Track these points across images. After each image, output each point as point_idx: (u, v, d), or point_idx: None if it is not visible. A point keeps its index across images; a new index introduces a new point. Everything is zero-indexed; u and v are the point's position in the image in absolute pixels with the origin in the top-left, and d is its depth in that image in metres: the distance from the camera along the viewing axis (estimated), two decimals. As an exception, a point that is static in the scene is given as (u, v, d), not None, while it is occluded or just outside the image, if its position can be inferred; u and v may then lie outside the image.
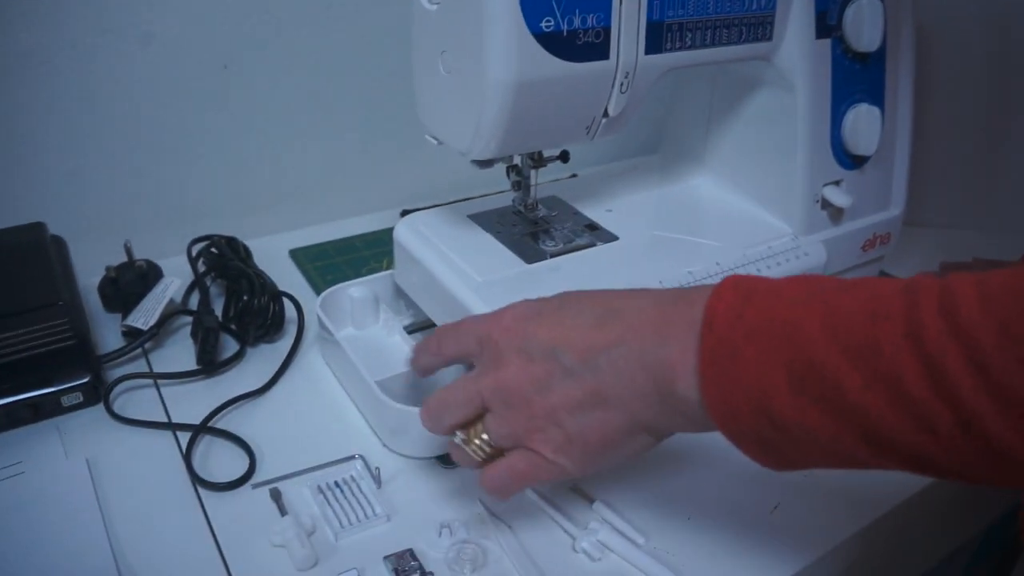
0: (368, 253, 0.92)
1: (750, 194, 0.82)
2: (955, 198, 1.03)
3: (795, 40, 0.74)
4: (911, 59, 0.82)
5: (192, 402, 0.71)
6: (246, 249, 0.87)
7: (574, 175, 1.01)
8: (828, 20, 0.75)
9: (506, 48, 0.59)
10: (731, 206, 0.82)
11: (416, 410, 0.58)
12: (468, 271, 0.69)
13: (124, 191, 0.87)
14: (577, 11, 0.61)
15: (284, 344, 0.78)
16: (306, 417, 0.70)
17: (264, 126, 0.92)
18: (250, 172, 0.94)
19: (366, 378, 0.65)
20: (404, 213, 1.00)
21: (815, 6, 0.74)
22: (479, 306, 0.66)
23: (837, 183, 0.80)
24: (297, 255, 0.92)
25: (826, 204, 0.79)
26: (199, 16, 0.84)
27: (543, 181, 0.79)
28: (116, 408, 0.70)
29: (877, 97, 0.80)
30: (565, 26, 0.61)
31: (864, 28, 0.76)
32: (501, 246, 0.73)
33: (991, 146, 0.99)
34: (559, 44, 0.61)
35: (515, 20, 0.59)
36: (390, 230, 0.77)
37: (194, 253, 0.86)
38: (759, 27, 0.72)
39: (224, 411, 0.70)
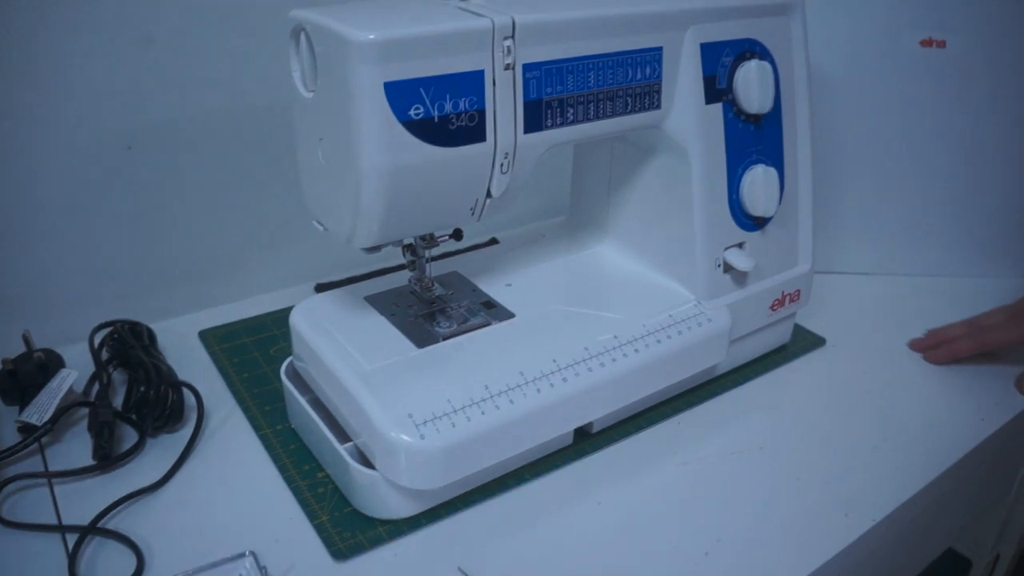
0: (278, 332, 0.92)
1: (652, 260, 0.82)
2: (873, 244, 1.03)
3: (685, 107, 0.74)
4: (807, 116, 0.82)
5: (87, 499, 0.70)
6: (150, 334, 0.87)
7: (493, 239, 1.00)
8: (718, 84, 0.76)
9: (376, 137, 0.60)
10: (634, 273, 0.82)
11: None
12: (358, 358, 0.69)
13: (24, 275, 0.86)
14: (448, 96, 0.61)
15: (186, 433, 0.77)
16: (204, 511, 0.69)
17: (171, 204, 0.92)
18: (159, 251, 0.93)
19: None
20: (319, 287, 0.99)
21: (703, 71, 0.75)
22: (366, 396, 0.65)
23: (740, 245, 0.80)
24: (207, 336, 0.91)
25: (728, 267, 0.79)
26: (101, 94, 0.84)
27: (448, 251, 0.78)
28: (5, 510, 0.68)
29: (775, 157, 0.80)
30: (436, 112, 0.61)
31: (754, 91, 0.76)
32: (394, 330, 0.73)
33: (900, 190, 1.00)
34: (431, 130, 0.61)
35: (382, 110, 0.59)
36: None
37: (97, 341, 0.84)
38: (646, 97, 0.72)
39: (118, 508, 0.69)
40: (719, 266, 0.79)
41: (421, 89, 0.60)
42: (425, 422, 0.64)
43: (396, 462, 0.63)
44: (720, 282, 0.79)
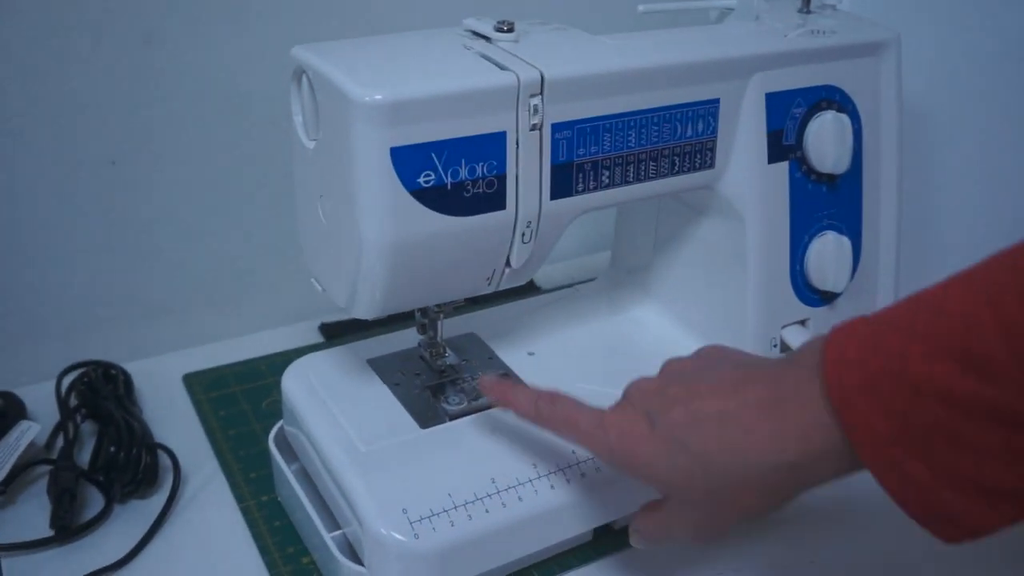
0: (272, 380, 0.98)
1: (699, 332, 0.86)
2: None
3: (743, 166, 0.79)
4: (895, 173, 0.87)
5: (40, 576, 0.77)
6: (126, 380, 0.95)
7: (531, 283, 1.06)
8: (785, 140, 0.81)
9: (380, 206, 0.66)
10: (675, 346, 0.84)
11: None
12: (352, 437, 0.75)
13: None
14: (463, 161, 0.67)
15: (159, 500, 0.84)
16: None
17: (157, 226, 0.99)
18: (141, 279, 1.01)
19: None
20: (324, 328, 1.07)
21: (767, 125, 0.79)
22: (357, 483, 0.71)
23: (802, 323, 0.85)
24: (192, 382, 0.99)
25: (786, 348, 0.84)
26: (85, 105, 0.92)
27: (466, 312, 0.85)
28: (-55, 589, 0.77)
29: (850, 222, 0.85)
30: (449, 179, 0.67)
31: (829, 147, 0.81)
32: (397, 404, 0.79)
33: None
34: (443, 199, 0.67)
35: (387, 177, 0.65)
36: (304, 351, 0.84)
37: (65, 385, 0.93)
38: (697, 155, 0.78)
39: (76, 589, 0.76)
40: (775, 346, 0.83)
41: (433, 154, 0.65)
42: (421, 519, 0.68)
43: (386, 562, 0.68)
44: None
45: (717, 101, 0.77)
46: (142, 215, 0.99)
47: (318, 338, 1.08)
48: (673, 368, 0.69)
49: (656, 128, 0.75)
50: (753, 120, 0.78)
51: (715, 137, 0.78)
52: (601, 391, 0.75)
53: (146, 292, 1.02)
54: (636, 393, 0.68)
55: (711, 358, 0.68)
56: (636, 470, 0.65)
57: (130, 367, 0.98)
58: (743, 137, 0.79)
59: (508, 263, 0.73)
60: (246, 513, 0.84)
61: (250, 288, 1.07)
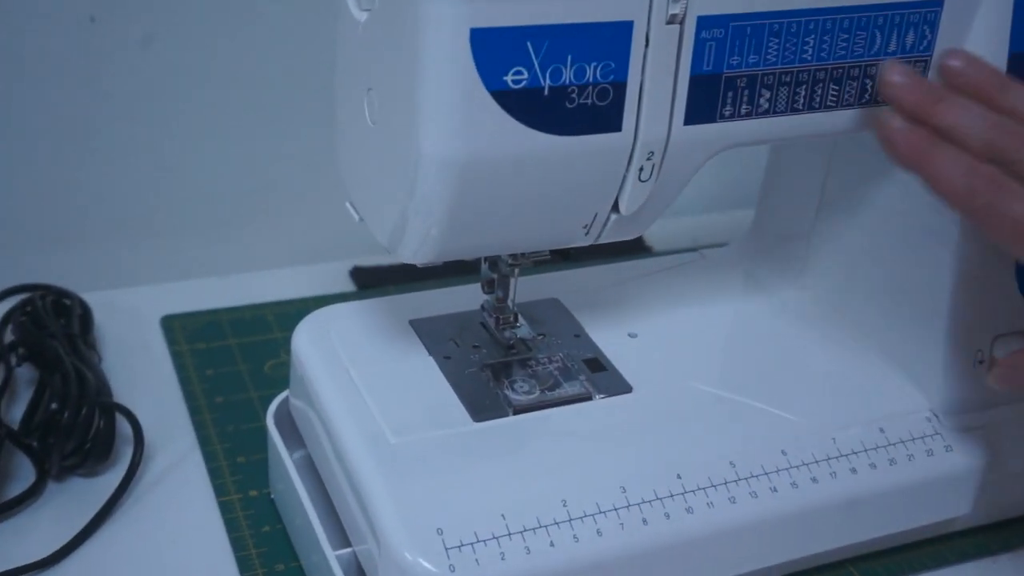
0: (282, 336, 0.95)
1: (868, 332, 0.83)
2: None
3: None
4: None
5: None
6: (84, 315, 0.91)
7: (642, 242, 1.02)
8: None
9: (449, 110, 0.61)
10: (833, 348, 0.83)
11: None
12: (380, 422, 0.72)
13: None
14: (569, 58, 0.62)
15: (110, 481, 0.81)
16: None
17: (143, 110, 0.96)
18: (118, 181, 0.98)
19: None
20: (357, 273, 1.03)
21: (1010, 43, 0.74)
22: (379, 487, 0.68)
23: (1024, 333, 0.80)
24: (173, 326, 0.96)
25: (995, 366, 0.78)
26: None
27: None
28: None
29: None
30: (547, 81, 0.62)
31: None
32: (444, 383, 0.76)
33: None
34: (535, 107, 0.62)
35: (463, 70, 0.60)
36: (328, 300, 0.82)
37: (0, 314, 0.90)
38: None
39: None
40: (981, 361, 0.78)
41: (529, 43, 0.61)
42: (461, 545, 0.65)
43: (408, 600, 0.66)
44: (978, 388, 0.78)
45: (940, 2, 0.71)
46: (123, 94, 0.95)
47: (349, 285, 1.06)
48: None
49: (845, 35, 0.69)
50: (990, 35, 0.73)
51: (930, 55, 0.72)
52: (721, 395, 0.77)
53: (120, 201, 0.99)
54: None
55: None
56: None
57: (91, 298, 0.94)
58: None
59: (616, 207, 0.69)
60: (226, 511, 0.81)
61: (262, 208, 1.04)
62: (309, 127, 0.99)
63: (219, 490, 0.82)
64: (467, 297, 0.83)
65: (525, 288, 0.81)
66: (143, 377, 0.90)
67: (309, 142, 1.00)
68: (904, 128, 0.67)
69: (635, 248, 1.12)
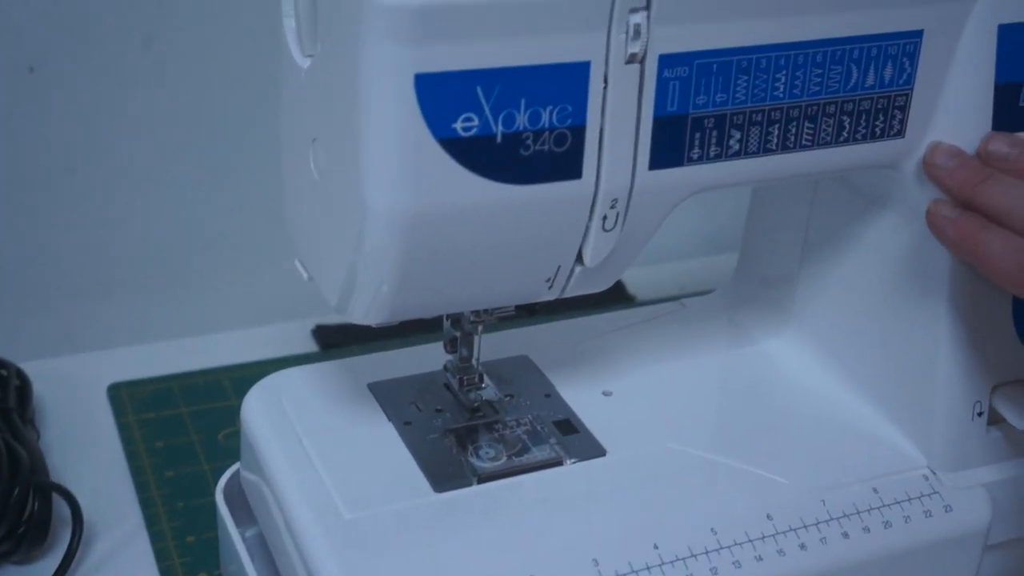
0: (239, 402, 0.91)
1: (860, 383, 0.82)
2: None
3: (951, 135, 0.73)
4: None
5: None
6: (22, 386, 0.90)
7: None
8: (1020, 98, 0.74)
9: (396, 161, 0.60)
10: (822, 402, 0.82)
11: None
12: (334, 496, 0.70)
13: None
14: (523, 102, 0.61)
15: (45, 568, 0.80)
16: None
17: (89, 164, 0.95)
18: (59, 241, 0.96)
19: None
20: (320, 332, 1.01)
21: (996, 75, 0.73)
22: (331, 565, 0.66)
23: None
24: (120, 395, 0.94)
25: (997, 418, 0.79)
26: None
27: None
28: None
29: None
30: (499, 127, 0.61)
31: None
32: (404, 451, 0.74)
33: None
34: (488, 156, 0.61)
35: (408, 115, 0.59)
36: (287, 361, 0.82)
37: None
38: (880, 117, 0.71)
39: None
40: (980, 413, 0.78)
41: (478, 88, 0.59)
42: None
43: None
44: (978, 442, 0.78)
45: (919, 34, 0.70)
46: (68, 148, 0.94)
47: (311, 345, 1.05)
48: None
49: (819, 70, 0.68)
50: (973, 66, 0.72)
51: (910, 89, 0.71)
52: (702, 456, 0.76)
53: (62, 260, 0.98)
54: None
55: None
56: None
57: (29, 368, 0.93)
58: (955, 91, 0.73)
59: (580, 259, 0.68)
60: (174, 597, 0.79)
61: (216, 265, 1.03)
62: (264, 177, 0.97)
63: (165, 573, 0.81)
64: (430, 357, 0.82)
65: (492, 345, 0.81)
66: (87, 452, 0.88)
67: (264, 193, 0.98)
68: (953, 216, 0.69)
69: (617, 298, 1.12)
